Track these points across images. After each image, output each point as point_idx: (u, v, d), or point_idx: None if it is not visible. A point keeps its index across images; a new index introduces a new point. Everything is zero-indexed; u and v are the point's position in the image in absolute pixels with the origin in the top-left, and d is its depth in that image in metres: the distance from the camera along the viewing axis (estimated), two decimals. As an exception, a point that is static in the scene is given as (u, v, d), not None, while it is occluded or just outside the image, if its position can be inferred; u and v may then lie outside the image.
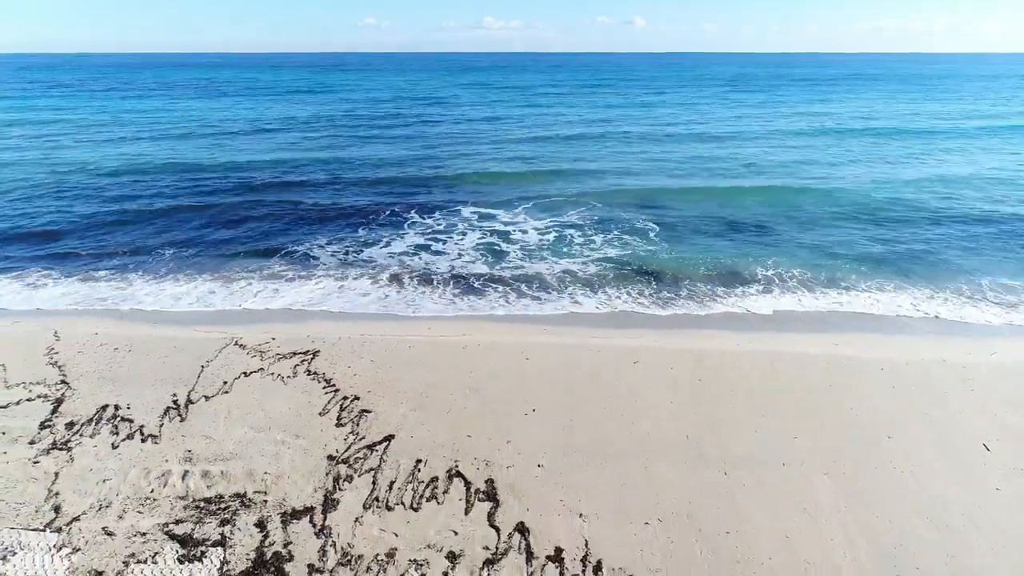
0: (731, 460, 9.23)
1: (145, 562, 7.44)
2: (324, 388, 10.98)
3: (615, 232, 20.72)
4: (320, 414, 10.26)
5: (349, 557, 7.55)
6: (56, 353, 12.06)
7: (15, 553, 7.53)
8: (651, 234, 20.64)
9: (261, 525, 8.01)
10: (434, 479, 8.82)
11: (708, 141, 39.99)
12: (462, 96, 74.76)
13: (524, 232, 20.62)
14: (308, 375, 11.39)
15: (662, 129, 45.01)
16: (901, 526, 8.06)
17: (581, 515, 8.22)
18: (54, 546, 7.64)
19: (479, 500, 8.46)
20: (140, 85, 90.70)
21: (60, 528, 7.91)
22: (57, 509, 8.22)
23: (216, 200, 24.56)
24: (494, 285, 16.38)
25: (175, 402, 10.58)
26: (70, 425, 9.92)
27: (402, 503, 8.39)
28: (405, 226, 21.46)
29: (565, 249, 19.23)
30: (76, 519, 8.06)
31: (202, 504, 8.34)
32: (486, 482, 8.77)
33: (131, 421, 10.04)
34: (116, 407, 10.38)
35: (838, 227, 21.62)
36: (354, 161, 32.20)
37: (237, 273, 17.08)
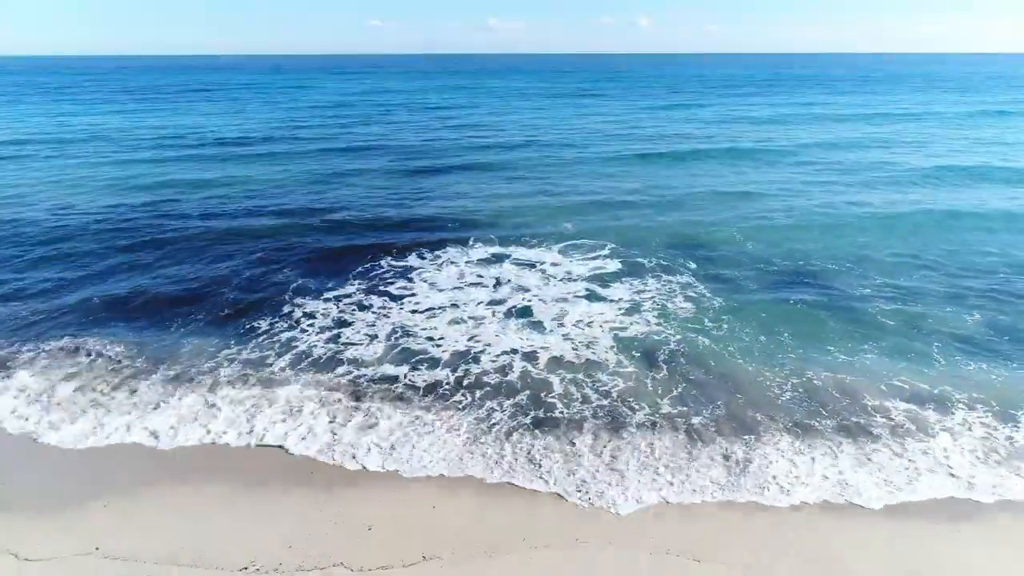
0: None
1: None
2: None
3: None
4: None
5: None
6: None
7: None
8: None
9: None
10: None
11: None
12: (469, 106, 66.72)
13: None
14: None
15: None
16: None
17: None
18: None
19: None
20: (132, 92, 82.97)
21: None
22: None
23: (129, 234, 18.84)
24: (498, 412, 10.89)
25: None
26: None
27: None
28: (404, 281, 16.81)
29: (602, 327, 13.70)
30: None
31: None
32: None
33: None
34: None
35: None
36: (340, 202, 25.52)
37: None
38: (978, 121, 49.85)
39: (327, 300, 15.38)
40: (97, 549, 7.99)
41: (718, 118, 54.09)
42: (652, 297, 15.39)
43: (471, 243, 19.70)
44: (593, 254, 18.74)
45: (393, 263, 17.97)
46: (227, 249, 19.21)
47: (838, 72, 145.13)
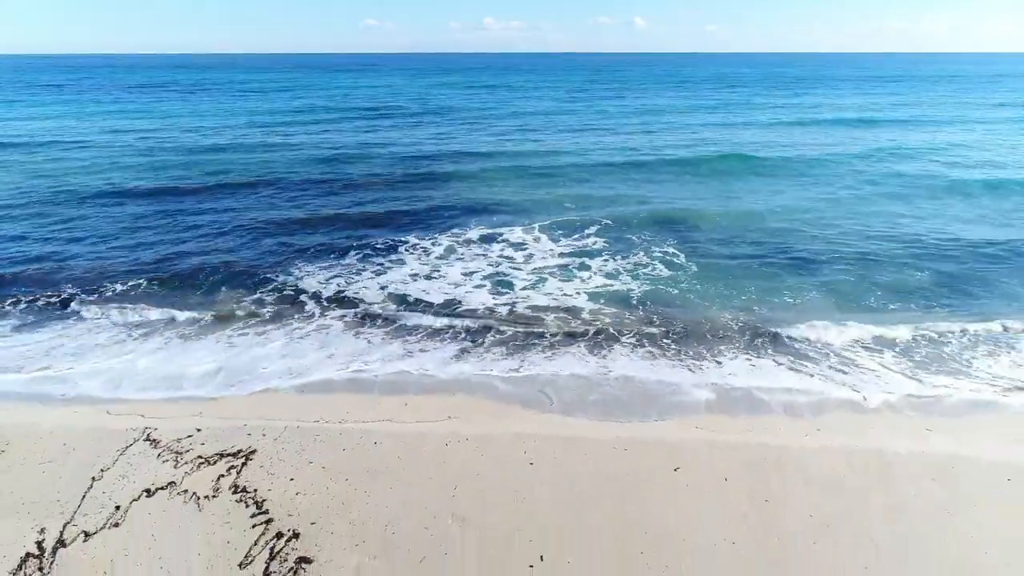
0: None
1: None
2: (252, 516, 7.99)
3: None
4: (240, 565, 7.25)
5: None
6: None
7: None
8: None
9: None
10: None
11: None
12: (466, 104, 71.24)
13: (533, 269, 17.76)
14: (234, 493, 8.41)
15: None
16: None
17: None
18: None
19: None
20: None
21: None
22: None
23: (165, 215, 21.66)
24: (491, 336, 13.47)
25: (39, 544, 7.55)
26: None
27: None
28: (395, 254, 19.34)
29: (581, 286, 16.31)
30: None
31: None
32: None
33: (-34, 579, 7.20)
34: (-53, 555, 7.46)
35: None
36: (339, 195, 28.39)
37: (175, 318, 14.14)
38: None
39: (332, 267, 17.98)
40: (201, 414, 10.59)
41: (718, 118, 55.84)
42: (635, 268, 17.91)
43: (471, 226, 21.95)
44: (578, 233, 21.17)
45: (391, 243, 20.27)
46: (234, 240, 20.95)
47: (846, 72, 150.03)
